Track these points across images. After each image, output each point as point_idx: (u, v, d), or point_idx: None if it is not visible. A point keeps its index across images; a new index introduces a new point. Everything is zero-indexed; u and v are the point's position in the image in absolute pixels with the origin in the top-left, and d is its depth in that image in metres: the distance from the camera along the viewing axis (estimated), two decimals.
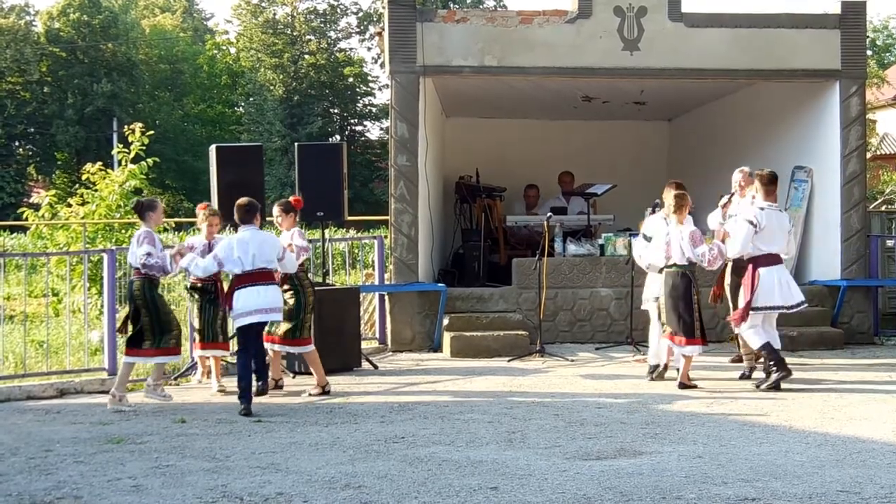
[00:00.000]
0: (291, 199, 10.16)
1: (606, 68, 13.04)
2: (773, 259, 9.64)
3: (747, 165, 14.53)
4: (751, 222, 9.54)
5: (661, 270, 9.85)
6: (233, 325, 9.49)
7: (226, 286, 9.45)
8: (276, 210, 9.97)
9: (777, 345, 9.69)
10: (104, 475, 6.44)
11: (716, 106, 15.89)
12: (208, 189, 11.71)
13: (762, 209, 9.63)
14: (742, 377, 10.18)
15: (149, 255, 8.97)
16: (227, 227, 10.91)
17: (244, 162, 11.37)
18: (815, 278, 13.39)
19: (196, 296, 9.96)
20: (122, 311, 10.13)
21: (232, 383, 9.61)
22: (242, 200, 9.18)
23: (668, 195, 10.02)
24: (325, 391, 9.60)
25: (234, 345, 9.83)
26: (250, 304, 8.82)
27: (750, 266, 9.63)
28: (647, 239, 10.28)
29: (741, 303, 9.65)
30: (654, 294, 10.23)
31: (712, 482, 6.08)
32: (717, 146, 15.88)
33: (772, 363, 9.57)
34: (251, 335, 8.95)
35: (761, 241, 9.56)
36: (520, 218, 14.96)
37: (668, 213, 9.97)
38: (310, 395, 9.55)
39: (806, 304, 10.03)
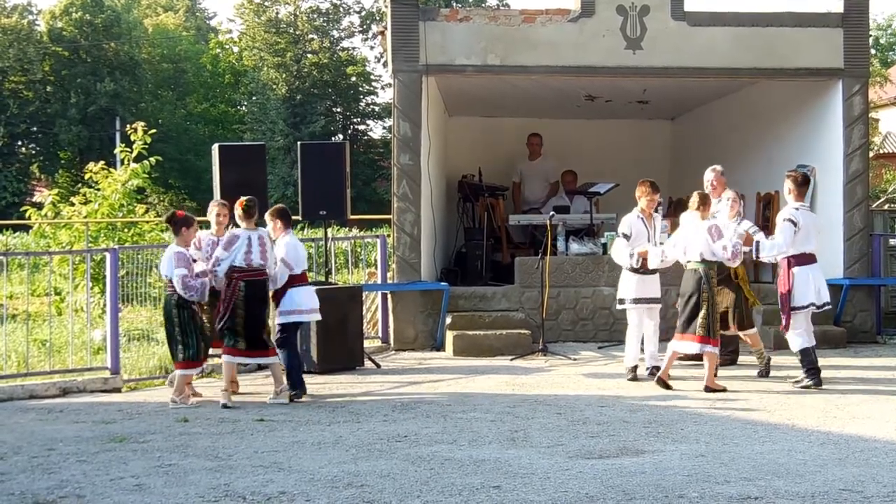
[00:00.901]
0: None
1: (609, 67, 13.04)
2: (808, 258, 9.64)
3: (751, 164, 14.59)
4: (792, 221, 9.52)
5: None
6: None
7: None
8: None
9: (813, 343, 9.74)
10: (107, 474, 6.44)
11: (718, 105, 15.88)
12: (211, 188, 11.72)
13: (797, 209, 9.63)
14: (760, 375, 10.21)
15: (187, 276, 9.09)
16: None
17: (247, 161, 11.37)
18: None
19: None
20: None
21: (244, 383, 9.66)
22: (282, 207, 9.72)
23: (646, 194, 10.16)
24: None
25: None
26: (306, 303, 9.48)
27: (785, 266, 9.61)
28: (627, 237, 10.21)
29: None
30: (628, 295, 10.17)
31: (715, 481, 6.08)
32: (720, 145, 15.86)
33: (808, 368, 9.62)
34: (294, 331, 9.60)
35: (797, 241, 9.55)
36: (523, 217, 14.98)
37: (646, 212, 10.22)
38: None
39: (830, 307, 10.09)
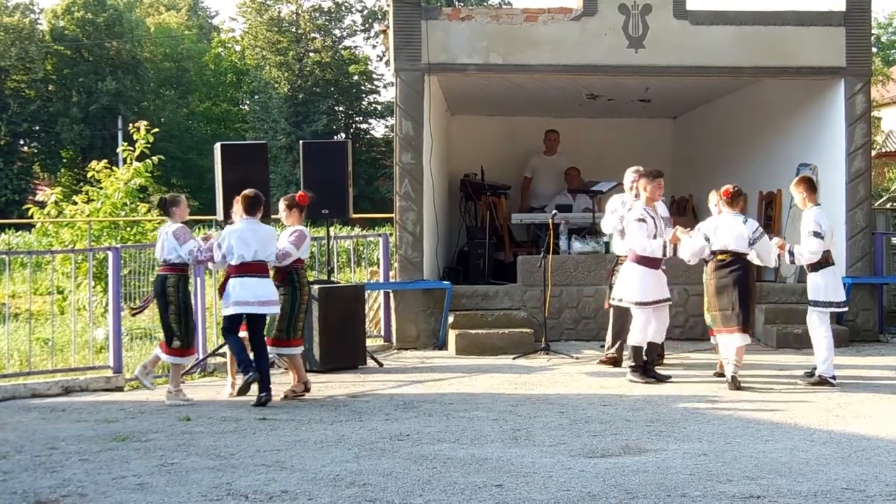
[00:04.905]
0: (297, 194, 10.08)
1: (611, 66, 13.03)
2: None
3: (753, 163, 14.58)
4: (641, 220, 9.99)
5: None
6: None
7: None
8: (280, 205, 9.91)
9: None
10: (109, 473, 6.44)
11: (721, 103, 15.87)
12: (213, 187, 11.71)
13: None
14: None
15: (199, 250, 9.17)
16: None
17: (249, 160, 11.34)
18: None
19: None
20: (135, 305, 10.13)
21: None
22: (248, 192, 9.25)
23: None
24: (306, 388, 9.45)
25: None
26: (243, 296, 8.95)
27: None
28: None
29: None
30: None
31: (717, 480, 6.08)
32: (722, 144, 15.86)
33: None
34: (238, 325, 9.17)
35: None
36: (525, 216, 14.98)
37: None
38: (293, 392, 9.38)
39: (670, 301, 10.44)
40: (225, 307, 9.06)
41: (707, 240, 9.64)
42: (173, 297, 9.11)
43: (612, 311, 10.92)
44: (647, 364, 9.97)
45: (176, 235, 9.12)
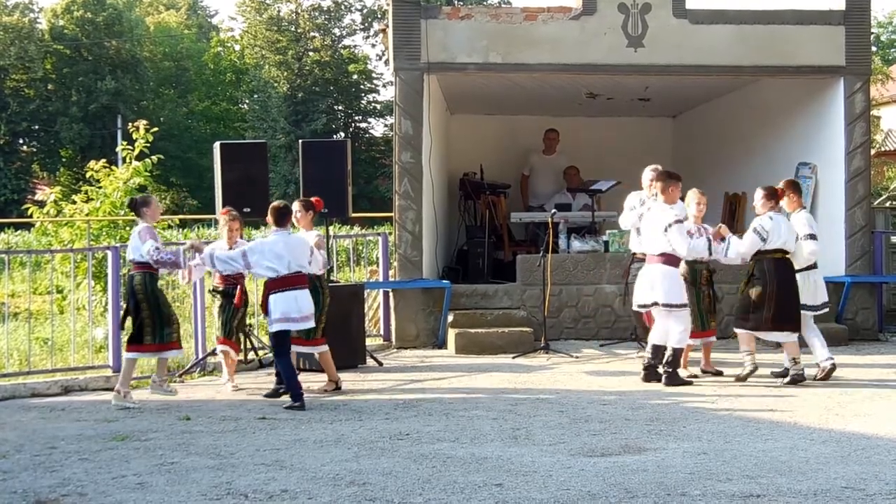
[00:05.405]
0: (314, 199, 10.05)
1: (611, 65, 13.04)
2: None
3: (752, 162, 14.58)
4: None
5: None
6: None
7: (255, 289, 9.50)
8: (296, 205, 9.87)
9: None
10: (109, 472, 6.44)
11: (720, 102, 15.87)
12: (213, 186, 11.73)
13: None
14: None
15: (157, 249, 9.01)
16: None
17: (248, 159, 11.38)
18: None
19: (218, 298, 10.03)
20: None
21: (245, 381, 9.70)
22: (277, 204, 9.25)
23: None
24: (337, 387, 9.58)
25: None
26: (287, 310, 8.89)
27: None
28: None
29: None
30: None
31: (717, 478, 6.08)
32: (722, 143, 15.86)
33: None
34: (287, 343, 9.12)
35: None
36: (524, 215, 14.98)
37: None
38: (325, 391, 9.54)
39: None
40: (270, 324, 8.96)
41: (763, 240, 9.56)
42: (142, 296, 9.01)
43: (635, 313, 10.80)
44: (654, 366, 9.88)
45: (139, 234, 9.06)
